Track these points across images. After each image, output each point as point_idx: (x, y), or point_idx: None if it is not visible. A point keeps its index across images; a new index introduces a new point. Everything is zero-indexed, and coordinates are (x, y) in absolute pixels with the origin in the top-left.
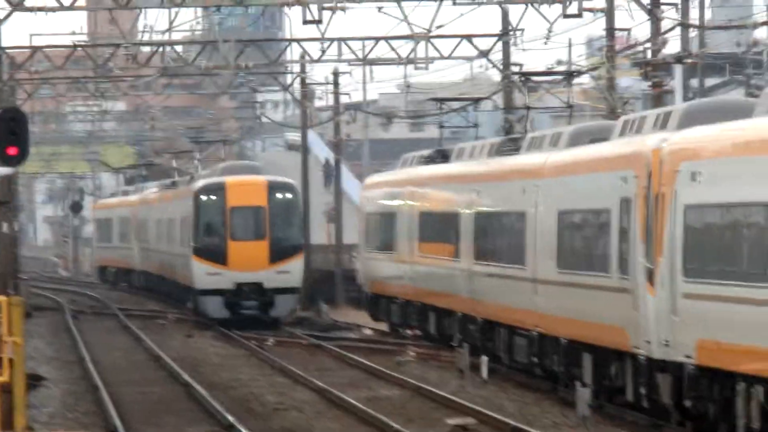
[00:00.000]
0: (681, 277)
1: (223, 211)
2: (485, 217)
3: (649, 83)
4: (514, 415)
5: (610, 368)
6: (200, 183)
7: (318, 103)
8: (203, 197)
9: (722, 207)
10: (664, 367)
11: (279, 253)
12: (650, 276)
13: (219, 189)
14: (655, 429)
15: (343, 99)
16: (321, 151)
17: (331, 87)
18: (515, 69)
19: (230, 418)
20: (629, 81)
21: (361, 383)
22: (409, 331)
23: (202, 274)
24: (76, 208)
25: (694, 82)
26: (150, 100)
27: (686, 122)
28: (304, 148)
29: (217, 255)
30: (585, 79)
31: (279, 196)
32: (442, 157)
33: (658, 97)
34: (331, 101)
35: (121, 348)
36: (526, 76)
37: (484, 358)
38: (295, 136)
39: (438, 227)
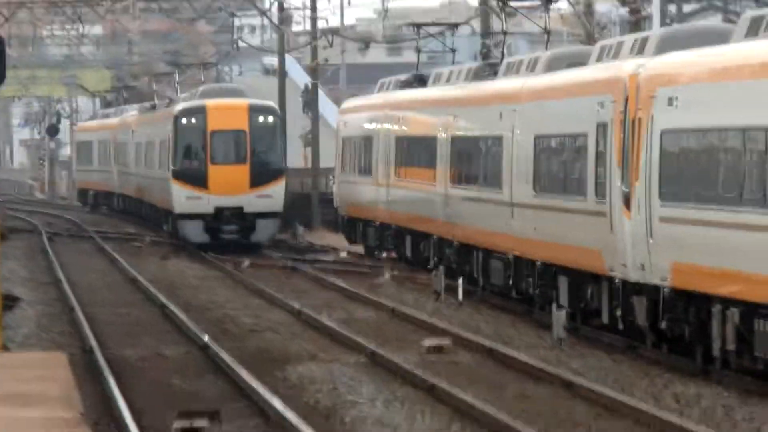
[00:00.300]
0: (657, 201)
1: (203, 135)
2: (462, 141)
3: (627, 9)
4: (489, 337)
5: (585, 291)
6: (180, 106)
7: (295, 28)
8: (183, 120)
9: (698, 132)
10: (639, 289)
11: (260, 178)
12: (626, 200)
13: (199, 112)
14: (630, 351)
15: (321, 24)
16: (298, 75)
17: (308, 12)
18: None
19: (206, 338)
20: (607, 6)
21: (337, 305)
22: (384, 254)
23: (182, 198)
24: (53, 131)
25: (672, 8)
26: (128, 25)
27: (663, 48)
28: (281, 73)
29: (196, 179)
30: (563, 5)
31: (260, 119)
32: (420, 81)
33: (636, 23)
34: (308, 26)
35: (97, 270)
36: (503, 1)
37: (460, 281)
38: (272, 61)
39: (415, 151)
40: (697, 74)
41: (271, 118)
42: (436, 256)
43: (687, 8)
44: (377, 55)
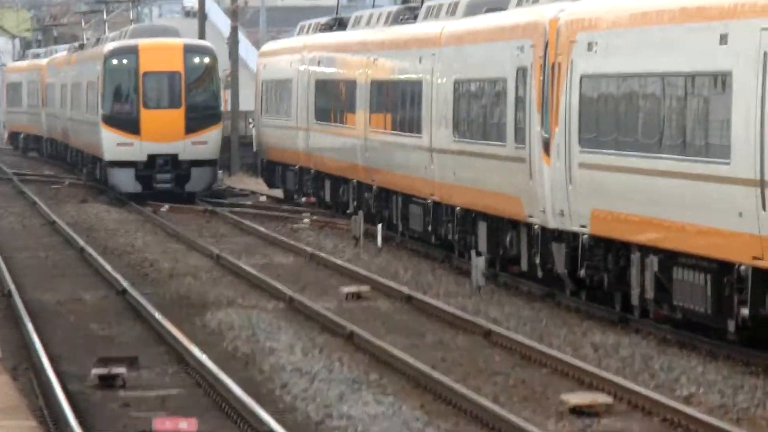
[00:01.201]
0: (577, 147)
1: (135, 77)
2: (381, 85)
3: None
4: (408, 284)
5: (505, 237)
6: (110, 45)
7: None
8: (113, 61)
9: (618, 77)
10: (558, 236)
11: (195, 123)
12: (546, 146)
13: (131, 52)
14: (549, 298)
15: None
16: (219, 18)
17: None
18: None
19: (124, 283)
20: None
21: (257, 250)
22: (304, 199)
23: (112, 144)
24: None
25: None
26: None
27: None
28: (201, 16)
29: (128, 124)
30: None
31: (196, 60)
32: (340, 25)
33: None
34: None
35: (16, 213)
36: None
37: (379, 226)
38: (192, 2)
39: (334, 95)
40: (617, 19)
41: (207, 59)
42: (356, 201)
43: None
44: None
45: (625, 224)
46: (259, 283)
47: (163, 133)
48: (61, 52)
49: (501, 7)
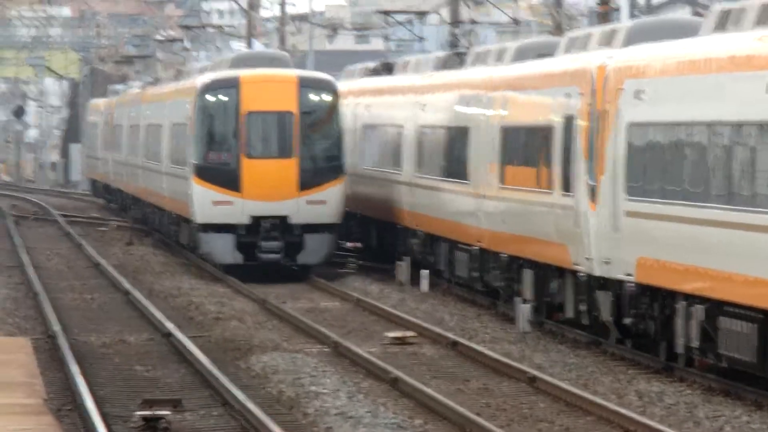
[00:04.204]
0: (623, 195)
1: (236, 117)
2: (429, 130)
3: (596, 0)
4: (453, 329)
5: (550, 285)
6: (205, 78)
7: (264, 13)
8: (209, 97)
9: (665, 126)
10: (604, 284)
11: (312, 177)
12: (592, 193)
13: (230, 86)
14: (594, 346)
15: (290, 9)
16: None
17: None
18: None
19: (169, 325)
20: None
21: (302, 295)
22: (350, 244)
23: (206, 203)
24: (19, 113)
25: (641, 0)
26: (96, 7)
27: (632, 40)
28: None
29: (226, 177)
30: None
31: (313, 97)
32: (387, 69)
33: (605, 15)
34: (277, 11)
35: (62, 254)
36: None
37: (425, 272)
38: (239, 46)
39: (381, 139)
40: (665, 67)
41: (327, 96)
42: (402, 246)
43: (656, 0)
44: (345, 42)
45: (670, 273)
46: (304, 328)
47: (270, 189)
48: (133, 89)
49: (549, 54)
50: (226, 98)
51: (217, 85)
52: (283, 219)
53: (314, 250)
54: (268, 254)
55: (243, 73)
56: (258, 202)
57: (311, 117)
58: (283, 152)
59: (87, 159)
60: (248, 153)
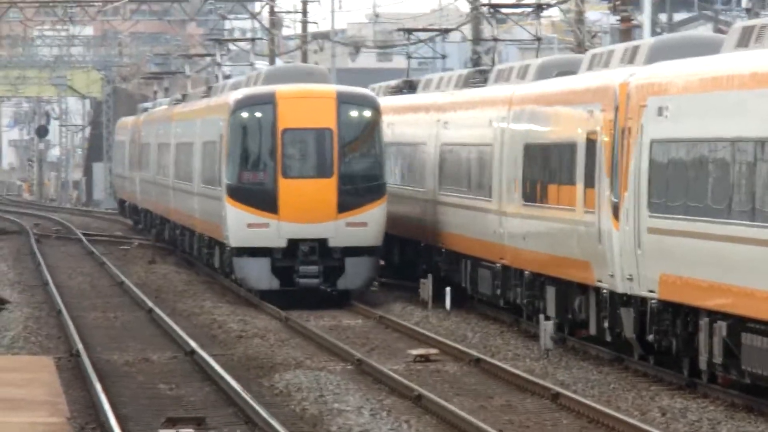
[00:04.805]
0: (646, 212)
1: (272, 135)
2: (451, 148)
3: (618, 17)
4: (476, 347)
5: (573, 301)
6: (238, 94)
7: (286, 32)
8: (243, 114)
9: (688, 142)
10: (627, 301)
11: (352, 198)
12: (615, 210)
13: (266, 102)
14: (617, 363)
15: (312, 28)
16: None
17: (299, 15)
18: (484, 0)
19: (192, 344)
20: (598, 15)
21: (325, 312)
22: None
23: (240, 225)
24: (42, 132)
25: (663, 17)
26: (118, 26)
27: (654, 57)
28: None
29: (262, 198)
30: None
31: (354, 113)
32: (410, 87)
33: (627, 32)
34: (299, 30)
35: (85, 273)
36: (494, 7)
37: (448, 289)
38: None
39: (404, 157)
40: (688, 84)
41: (368, 112)
42: (425, 263)
43: (678, 17)
44: (368, 60)
45: (693, 289)
46: (327, 345)
47: (308, 210)
48: (162, 106)
49: (572, 71)
50: (261, 115)
51: (251, 101)
52: (321, 242)
53: (355, 274)
54: (306, 279)
55: (279, 88)
56: (295, 224)
57: (351, 134)
58: (322, 172)
59: (115, 179)
60: (285, 172)
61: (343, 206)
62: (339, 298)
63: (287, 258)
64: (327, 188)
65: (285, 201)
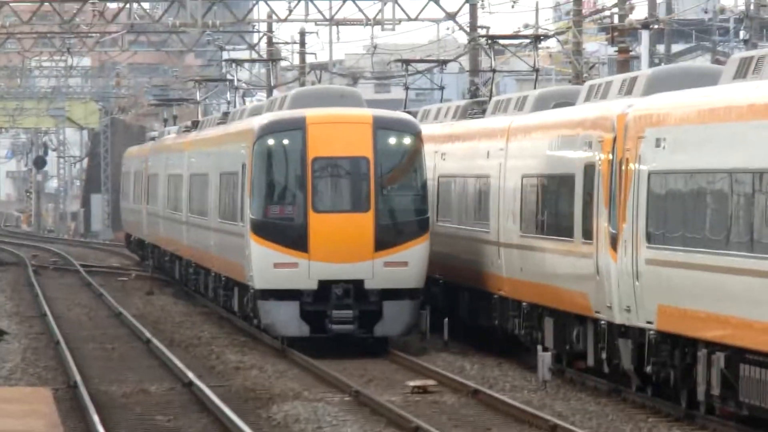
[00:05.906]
0: (644, 243)
1: (301, 164)
2: (448, 179)
3: (616, 48)
4: (474, 378)
5: (571, 333)
6: (263, 119)
7: (284, 63)
8: (269, 141)
9: (686, 174)
10: (625, 332)
11: (391, 234)
12: (613, 241)
13: (295, 128)
14: (615, 394)
15: (309, 59)
16: None
17: (297, 46)
18: (482, 32)
19: (190, 375)
20: (596, 46)
21: (323, 344)
22: None
23: (266, 265)
24: (40, 163)
25: (661, 48)
26: (116, 57)
27: (652, 88)
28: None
29: (290, 235)
30: (551, 43)
31: (392, 140)
32: None
33: (624, 63)
34: (297, 61)
35: (83, 304)
36: (492, 39)
37: (446, 321)
38: (260, 96)
39: None
40: (685, 116)
41: (408, 139)
42: (422, 294)
43: (675, 48)
44: (365, 91)
45: (691, 320)
46: (325, 376)
47: (342, 249)
48: (170, 134)
49: (569, 102)
50: (289, 142)
51: (278, 126)
52: (357, 284)
53: (394, 319)
54: (339, 325)
55: (309, 112)
56: (327, 263)
57: (390, 163)
58: (357, 205)
59: (122, 212)
60: (316, 206)
61: (381, 244)
62: (375, 346)
63: (318, 301)
64: (363, 224)
65: (316, 238)
